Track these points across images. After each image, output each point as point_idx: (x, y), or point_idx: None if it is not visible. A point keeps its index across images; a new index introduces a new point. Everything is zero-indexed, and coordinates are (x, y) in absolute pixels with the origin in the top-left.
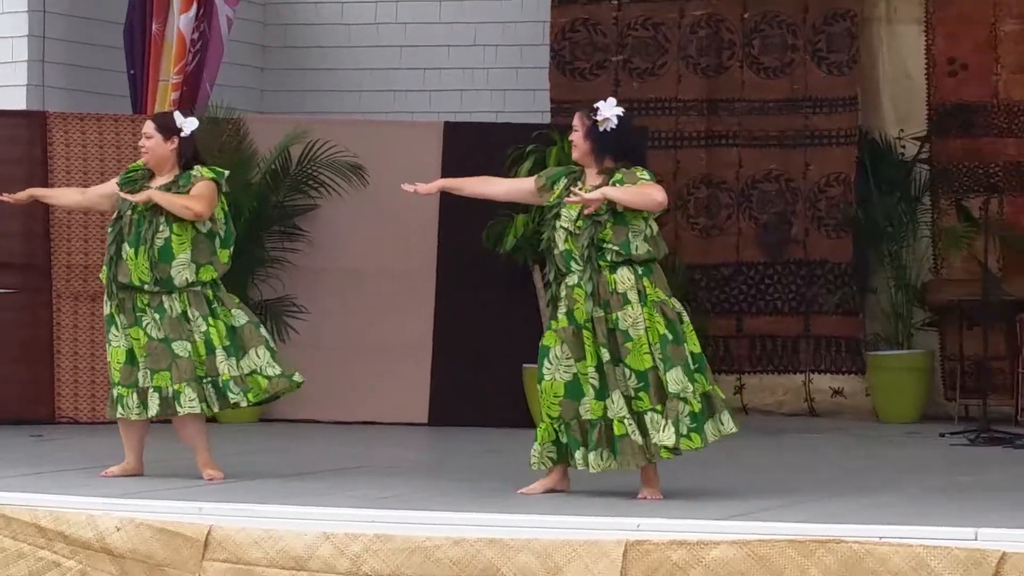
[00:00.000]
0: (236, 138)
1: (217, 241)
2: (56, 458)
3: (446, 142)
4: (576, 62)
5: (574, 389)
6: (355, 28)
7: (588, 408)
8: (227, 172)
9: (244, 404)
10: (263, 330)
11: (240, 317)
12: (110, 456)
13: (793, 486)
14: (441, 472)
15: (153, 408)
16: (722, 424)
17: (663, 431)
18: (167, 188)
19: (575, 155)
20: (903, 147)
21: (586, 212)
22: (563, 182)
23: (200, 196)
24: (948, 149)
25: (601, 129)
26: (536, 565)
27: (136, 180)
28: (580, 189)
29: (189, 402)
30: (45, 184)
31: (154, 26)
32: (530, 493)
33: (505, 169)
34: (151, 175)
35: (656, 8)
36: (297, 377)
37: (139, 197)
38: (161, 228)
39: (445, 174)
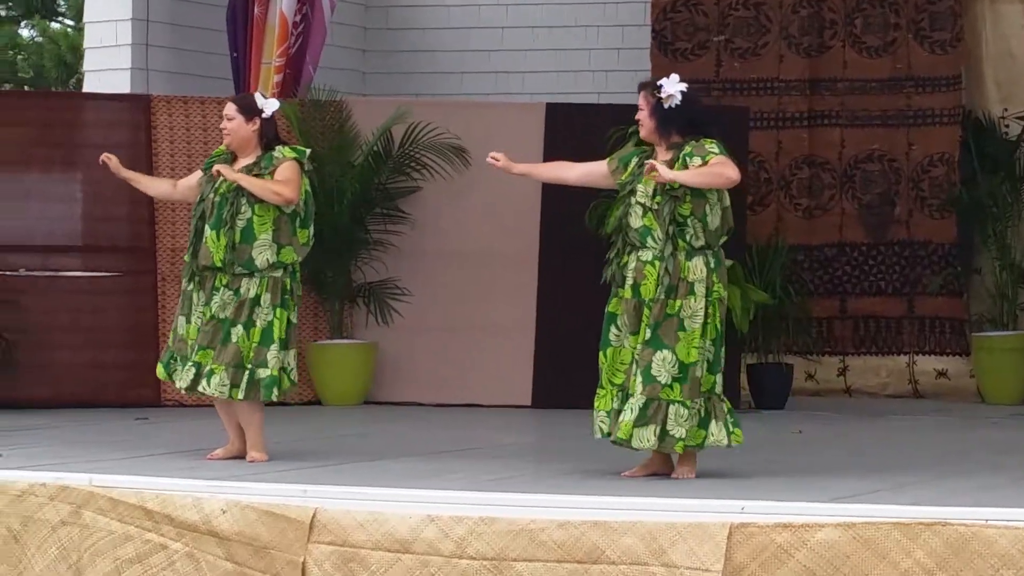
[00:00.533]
0: (339, 120)
1: (297, 221)
2: (162, 441)
3: (548, 123)
4: (677, 42)
5: (631, 360)
6: (456, 10)
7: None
8: (308, 151)
9: (274, 399)
10: None
11: (297, 313)
12: (215, 438)
13: (898, 468)
14: (545, 454)
15: (184, 381)
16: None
17: (713, 426)
18: (249, 170)
19: (642, 133)
20: (1007, 126)
21: (656, 181)
22: (635, 161)
23: (288, 180)
24: None
25: (666, 106)
26: (641, 548)
27: (224, 162)
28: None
29: (219, 386)
30: (149, 167)
31: (256, 9)
32: (632, 476)
33: (607, 150)
34: (234, 158)
35: None
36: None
37: (230, 175)
38: (243, 209)
39: (547, 155)
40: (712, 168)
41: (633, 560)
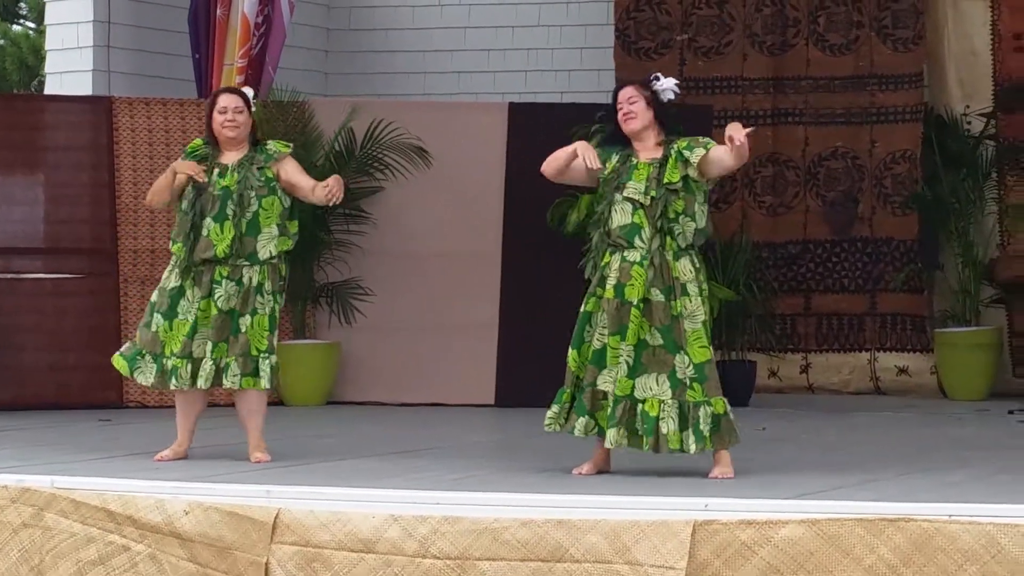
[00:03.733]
0: (301, 121)
1: (287, 213)
2: (124, 443)
3: (511, 123)
4: (641, 41)
5: (599, 358)
6: (419, 10)
7: (615, 383)
8: (292, 144)
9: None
10: None
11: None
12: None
13: (861, 465)
14: (508, 453)
15: (203, 379)
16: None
17: (721, 428)
18: (250, 161)
19: (635, 125)
20: (969, 123)
21: (740, 142)
22: (616, 157)
23: (306, 175)
24: (1014, 125)
25: (663, 99)
26: (604, 546)
27: (205, 157)
28: (633, 166)
29: (232, 376)
30: (111, 169)
31: (218, 10)
32: (585, 474)
33: None
34: (217, 152)
35: None
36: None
37: (336, 190)
38: (251, 203)
39: (510, 154)
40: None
41: (597, 558)
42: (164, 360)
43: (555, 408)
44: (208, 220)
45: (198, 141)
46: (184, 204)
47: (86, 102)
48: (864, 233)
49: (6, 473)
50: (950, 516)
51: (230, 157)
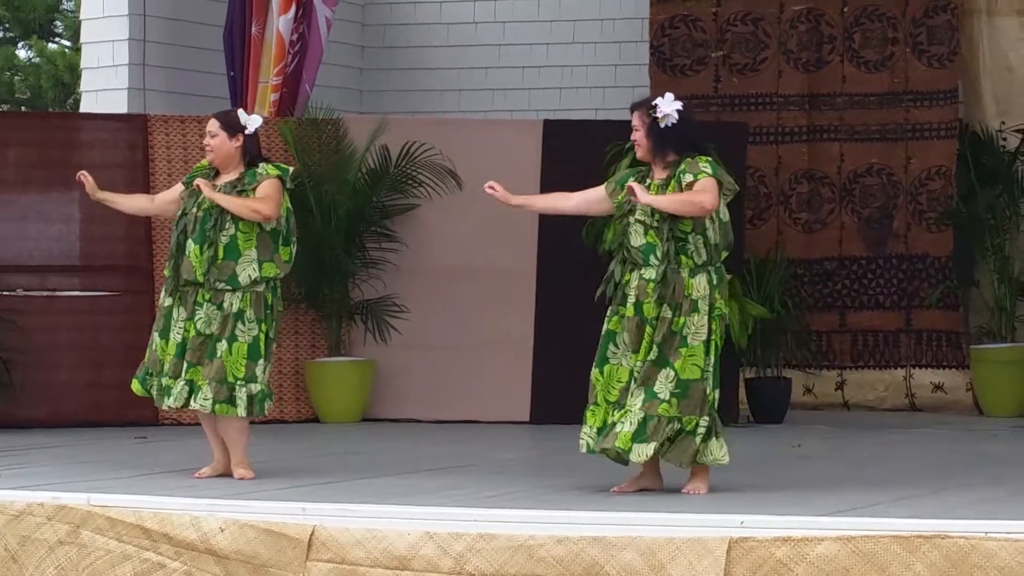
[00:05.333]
0: (335, 138)
1: (280, 239)
2: (160, 460)
3: (545, 140)
4: (676, 59)
5: (629, 378)
6: (453, 27)
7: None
8: (292, 169)
9: (266, 414)
10: None
11: (275, 331)
12: (212, 457)
13: (897, 481)
14: (543, 470)
15: (172, 399)
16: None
17: (711, 445)
18: (232, 186)
19: (639, 154)
20: (1004, 139)
21: (633, 201)
22: (633, 179)
23: (267, 197)
24: None
25: (662, 125)
26: (640, 563)
27: (208, 178)
28: (648, 185)
29: (203, 400)
30: (147, 187)
31: (253, 28)
32: (622, 492)
33: (605, 166)
34: (216, 173)
35: (755, 3)
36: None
37: (210, 194)
38: (227, 226)
39: (545, 172)
40: (687, 196)
41: (632, 575)
42: (160, 379)
43: (584, 428)
44: (190, 241)
45: (204, 163)
46: (173, 223)
47: (122, 120)
48: (899, 250)
49: (42, 490)
50: (986, 533)
51: (223, 179)
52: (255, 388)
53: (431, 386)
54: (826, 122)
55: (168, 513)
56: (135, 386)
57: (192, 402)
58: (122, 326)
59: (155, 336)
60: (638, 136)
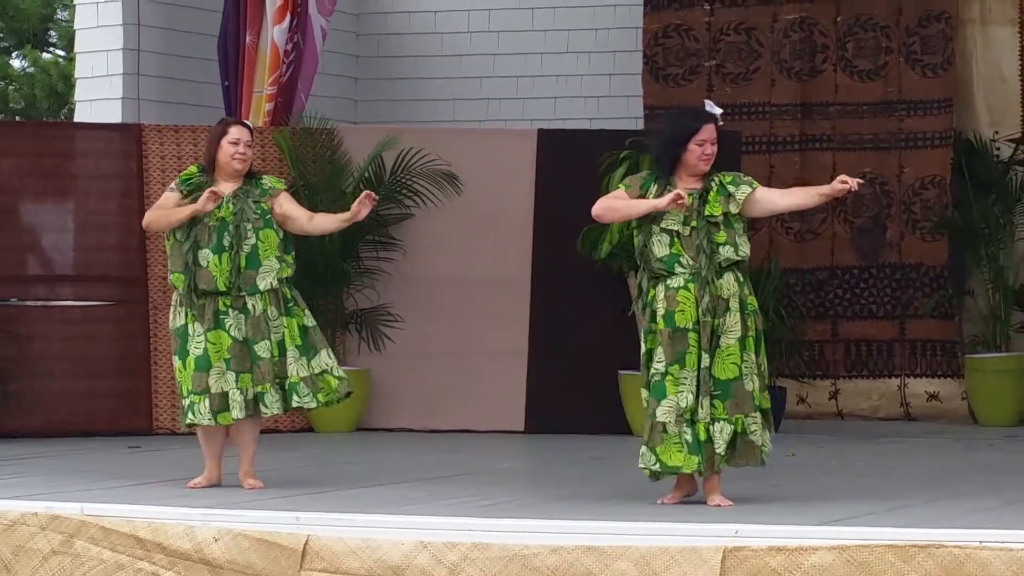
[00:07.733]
0: (330, 148)
1: (288, 244)
2: (154, 469)
3: (540, 149)
4: (669, 68)
5: (660, 390)
6: (448, 37)
7: (683, 409)
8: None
9: (313, 406)
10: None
11: (311, 318)
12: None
13: (891, 491)
14: (538, 480)
15: (237, 411)
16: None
17: (755, 440)
18: (243, 195)
19: (705, 166)
20: (998, 148)
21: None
22: (654, 187)
23: (300, 206)
24: None
25: None
26: (634, 572)
27: (201, 186)
28: (688, 195)
29: (273, 403)
30: (141, 197)
31: (248, 38)
32: (671, 503)
33: (599, 175)
34: (212, 181)
35: (749, 12)
36: (350, 387)
37: (342, 223)
38: (248, 235)
39: (539, 181)
40: (808, 190)
41: None
42: (183, 400)
43: (642, 448)
44: (206, 251)
45: (192, 168)
46: (179, 234)
47: (115, 129)
48: (893, 259)
49: (36, 500)
50: (981, 542)
51: (225, 188)
52: (287, 384)
53: (426, 395)
54: (819, 131)
55: (162, 523)
56: (223, 419)
57: (263, 409)
58: (116, 336)
59: (175, 359)
60: (715, 150)
